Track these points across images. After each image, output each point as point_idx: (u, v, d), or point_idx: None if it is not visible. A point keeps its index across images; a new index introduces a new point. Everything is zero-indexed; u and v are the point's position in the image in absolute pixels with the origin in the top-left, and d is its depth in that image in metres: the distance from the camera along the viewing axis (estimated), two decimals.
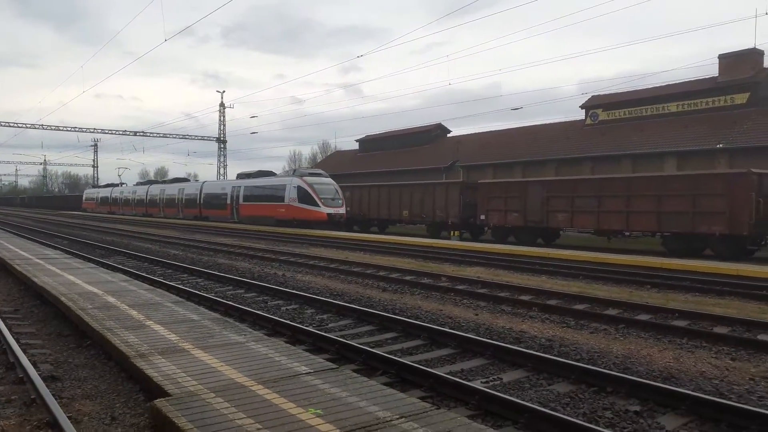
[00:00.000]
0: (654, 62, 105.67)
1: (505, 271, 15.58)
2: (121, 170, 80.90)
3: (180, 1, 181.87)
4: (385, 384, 5.88)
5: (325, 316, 9.37)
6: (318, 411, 4.36)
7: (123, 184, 67.92)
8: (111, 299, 8.80)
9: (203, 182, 45.88)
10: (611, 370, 6.46)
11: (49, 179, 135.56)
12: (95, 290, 9.58)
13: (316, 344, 7.38)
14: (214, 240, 25.67)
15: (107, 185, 68.93)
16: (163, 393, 4.85)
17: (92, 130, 58.18)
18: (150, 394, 5.13)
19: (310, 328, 7.76)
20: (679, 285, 12.85)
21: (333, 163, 51.51)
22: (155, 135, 57.80)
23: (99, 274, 11.75)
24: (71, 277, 11.08)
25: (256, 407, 4.41)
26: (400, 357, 6.92)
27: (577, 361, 6.83)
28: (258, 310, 9.71)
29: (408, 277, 14.15)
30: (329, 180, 33.34)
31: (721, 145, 25.99)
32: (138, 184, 60.12)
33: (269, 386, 4.97)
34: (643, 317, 9.60)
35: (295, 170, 34.87)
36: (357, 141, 51.99)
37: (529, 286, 12.60)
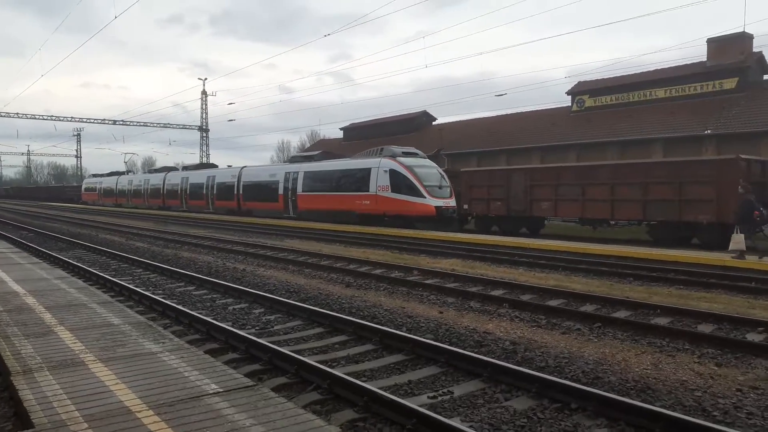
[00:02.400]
0: (643, 50, 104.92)
1: (481, 263, 14.77)
2: (128, 156, 66.10)
3: None
4: (311, 403, 5.06)
5: (273, 317, 8.50)
6: None
7: (129, 172, 59.84)
8: (30, 300, 7.88)
9: (243, 167, 36.88)
10: (579, 380, 5.66)
11: (34, 170, 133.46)
12: (18, 289, 8.65)
13: (249, 351, 6.52)
14: (186, 232, 24.66)
15: (112, 173, 58.93)
16: (27, 423, 3.98)
17: (70, 119, 56.57)
18: (20, 423, 4.27)
19: (244, 333, 6.89)
20: (663, 277, 12.08)
21: (317, 151, 50.43)
22: (135, 124, 56.43)
23: (36, 271, 10.81)
24: (1, 274, 10.13)
25: None
26: (338, 367, 6.08)
27: (542, 368, 6.02)
28: (199, 310, 8.85)
29: (377, 271, 13.31)
30: (429, 161, 25.21)
31: (708, 131, 25.27)
32: (151, 171, 51.82)
33: (161, 412, 4.10)
34: (622, 314, 8.81)
35: (382, 149, 25.38)
36: (341, 129, 50.99)
37: (503, 280, 11.80)
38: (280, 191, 31.07)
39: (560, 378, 5.55)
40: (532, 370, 5.88)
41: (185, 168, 44.66)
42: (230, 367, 5.82)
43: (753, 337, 7.49)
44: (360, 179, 25.73)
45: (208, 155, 59.11)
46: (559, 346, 6.94)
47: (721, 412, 4.91)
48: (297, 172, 30.13)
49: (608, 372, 5.91)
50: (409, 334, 7.02)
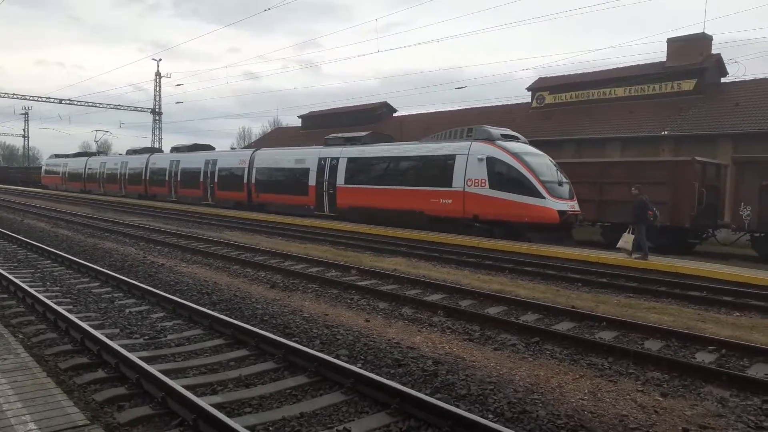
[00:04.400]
0: (608, 51, 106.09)
1: (426, 262, 13.89)
2: (100, 134, 54.08)
3: None
4: None
5: (170, 324, 7.40)
6: None
7: (101, 152, 51.59)
8: None
9: (256, 150, 29.92)
10: (503, 414, 4.78)
11: None
12: None
13: (119, 370, 5.44)
14: (120, 219, 23.11)
15: (79, 154, 51.18)
16: None
17: (12, 95, 53.37)
18: None
19: (116, 346, 5.76)
20: (612, 284, 11.41)
21: (274, 140, 48.96)
22: (84, 104, 53.70)
23: None
24: None
25: None
26: (224, 392, 5.07)
27: (462, 397, 5.12)
28: (89, 312, 7.69)
29: (312, 269, 12.29)
30: (536, 150, 18.56)
31: (666, 132, 25.01)
32: (130, 152, 42.64)
33: None
34: (565, 326, 8.03)
35: (470, 129, 19.23)
36: (299, 117, 49.49)
37: (445, 282, 10.94)
38: (311, 182, 24.17)
39: (478, 414, 4.66)
40: (450, 400, 4.99)
41: (175, 149, 36.92)
42: (88, 389, 4.81)
43: (703, 357, 6.77)
44: (437, 170, 19.33)
45: (160, 139, 56.85)
46: (488, 367, 6.06)
47: None
48: (336, 159, 23.17)
49: (538, 403, 5.05)
50: (316, 351, 6.02)
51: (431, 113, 41.18)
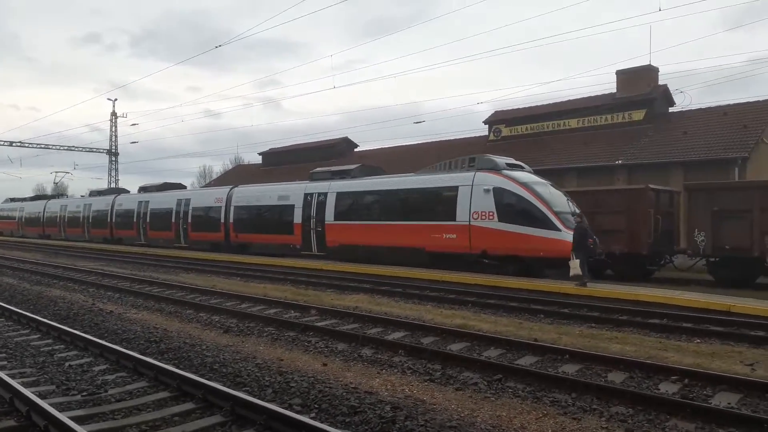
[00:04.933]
0: (560, 84, 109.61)
1: (389, 299, 13.63)
2: (59, 175, 51.56)
3: (82, 4, 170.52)
4: None
5: (113, 377, 6.92)
6: None
7: (60, 195, 49.65)
8: None
9: (233, 187, 28.15)
10: None
11: None
12: None
13: None
14: (73, 264, 22.19)
15: (37, 197, 49.50)
16: None
17: None
18: None
19: (46, 406, 5.28)
20: (574, 314, 11.34)
21: (235, 177, 48.36)
22: (36, 146, 52.25)
23: None
24: None
25: None
26: None
27: None
28: (24, 368, 7.15)
29: (270, 311, 11.89)
30: (543, 180, 17.83)
31: (620, 162, 25.61)
32: (94, 194, 40.35)
33: None
34: (528, 361, 7.85)
35: (473, 159, 18.44)
36: (260, 154, 49.15)
37: (407, 319, 10.70)
38: (296, 219, 22.87)
39: None
40: None
41: (144, 189, 35.06)
42: None
43: (666, 388, 6.66)
44: (438, 203, 18.29)
45: (116, 180, 55.52)
46: (449, 409, 5.80)
47: None
48: (324, 194, 22.01)
49: None
50: (266, 402, 5.66)
51: (391, 147, 41.46)
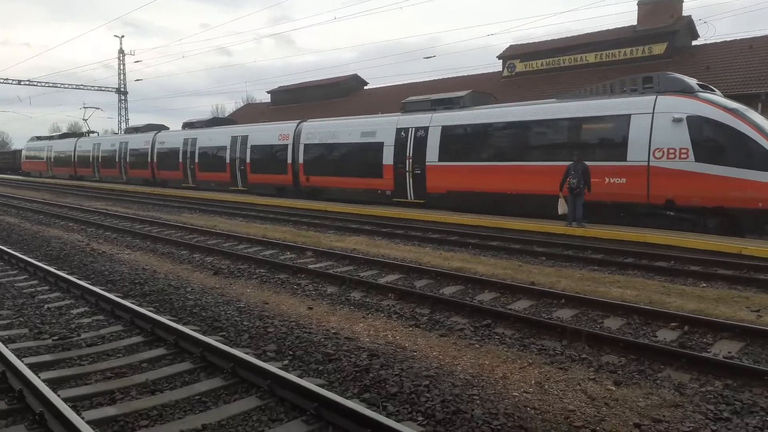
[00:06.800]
0: (585, 21, 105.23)
1: (389, 241, 13.32)
2: (89, 111, 44.80)
3: None
4: None
5: (90, 320, 6.73)
6: None
7: (93, 133, 44.65)
8: None
9: (300, 122, 24.07)
10: (434, 416, 4.23)
11: None
12: None
13: (5, 380, 4.78)
14: (80, 204, 22.14)
15: (65, 134, 45.20)
16: None
17: None
18: None
19: (5, 351, 5.09)
20: (577, 256, 10.95)
21: (243, 116, 47.62)
22: (44, 84, 51.65)
23: None
24: None
25: None
26: (125, 401, 4.45)
27: (392, 396, 4.56)
28: (2, 310, 6.98)
29: (266, 252, 11.67)
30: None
31: None
32: (130, 131, 37.45)
33: None
34: (521, 305, 7.54)
35: (650, 77, 14.27)
36: (268, 93, 48.16)
37: (403, 262, 10.39)
38: (386, 160, 19.40)
39: (407, 417, 4.12)
40: (378, 400, 4.43)
41: (189, 125, 31.39)
42: None
43: (664, 335, 6.31)
44: (598, 137, 14.64)
45: (127, 120, 55.10)
46: (429, 356, 5.52)
47: None
48: (424, 128, 18.36)
49: (476, 400, 4.51)
50: (237, 349, 5.42)
51: (400, 85, 40.24)
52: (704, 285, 8.73)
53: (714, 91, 14.45)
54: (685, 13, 27.33)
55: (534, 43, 32.06)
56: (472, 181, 17.02)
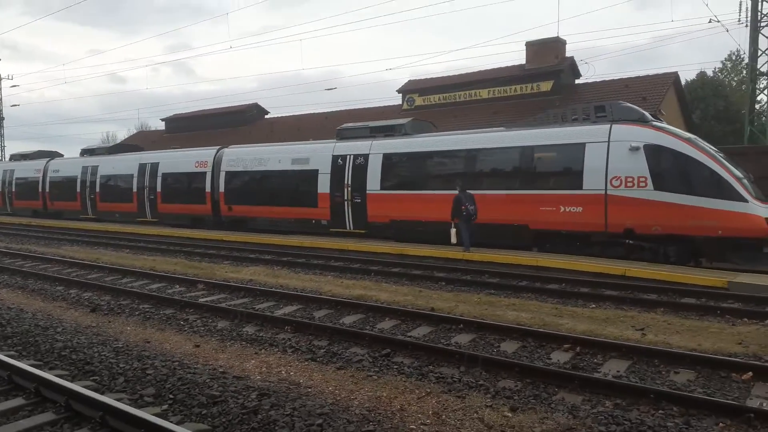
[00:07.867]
0: (479, 60, 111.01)
1: (289, 270, 12.89)
2: None
3: None
4: None
5: None
6: None
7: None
8: None
9: (220, 149, 22.36)
10: None
11: None
12: None
13: None
14: None
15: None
16: None
17: None
18: None
19: None
20: (475, 281, 11.10)
21: (135, 143, 45.28)
22: None
23: None
24: None
25: None
26: None
27: None
28: None
29: (153, 286, 10.87)
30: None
31: None
32: (17, 158, 33.66)
33: None
34: (422, 331, 7.45)
35: (600, 106, 14.25)
36: (162, 120, 46.16)
37: (303, 292, 10.06)
38: (322, 188, 18.26)
39: None
40: None
41: (89, 152, 28.79)
42: None
43: (558, 356, 6.41)
44: (553, 165, 14.32)
45: (2, 147, 50.63)
46: (325, 392, 5.22)
47: None
48: (364, 156, 17.42)
49: None
50: (103, 395, 4.84)
51: (300, 115, 40.10)
52: (593, 306, 9.08)
53: (661, 120, 14.77)
54: (568, 54, 29.35)
55: (431, 78, 33.14)
56: (417, 210, 16.18)
